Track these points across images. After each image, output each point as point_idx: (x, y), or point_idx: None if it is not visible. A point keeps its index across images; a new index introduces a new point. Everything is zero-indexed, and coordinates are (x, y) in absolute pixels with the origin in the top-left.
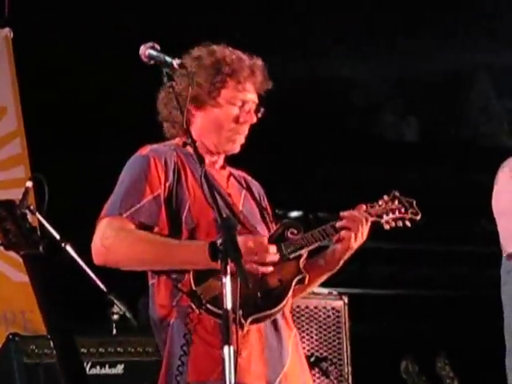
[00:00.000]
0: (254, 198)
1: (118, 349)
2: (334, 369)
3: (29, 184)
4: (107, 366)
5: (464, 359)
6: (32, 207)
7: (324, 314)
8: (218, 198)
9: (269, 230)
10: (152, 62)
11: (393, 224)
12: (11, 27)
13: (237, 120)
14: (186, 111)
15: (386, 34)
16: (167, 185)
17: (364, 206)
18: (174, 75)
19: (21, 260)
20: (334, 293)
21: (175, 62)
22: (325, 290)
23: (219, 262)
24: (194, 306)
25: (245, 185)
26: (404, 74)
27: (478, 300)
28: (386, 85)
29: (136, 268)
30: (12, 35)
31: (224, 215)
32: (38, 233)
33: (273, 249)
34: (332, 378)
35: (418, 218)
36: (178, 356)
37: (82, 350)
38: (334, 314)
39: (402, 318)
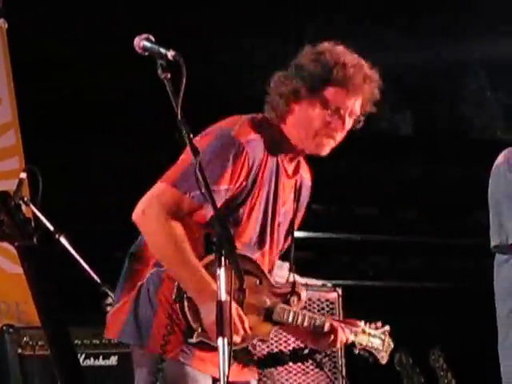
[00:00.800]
0: (295, 209)
1: (112, 340)
2: (328, 361)
3: (23, 175)
4: (101, 357)
5: (458, 352)
6: (26, 198)
7: (318, 306)
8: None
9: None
10: (146, 53)
11: (361, 352)
12: (6, 19)
13: (327, 124)
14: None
15: (381, 28)
16: (241, 186)
17: (357, 325)
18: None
19: (15, 251)
20: (328, 285)
21: (169, 54)
22: (319, 282)
23: (213, 254)
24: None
25: (298, 195)
26: (399, 69)
27: (473, 292)
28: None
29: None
30: (7, 26)
31: (219, 210)
32: (32, 224)
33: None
34: (326, 369)
35: (383, 363)
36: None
37: (76, 341)
38: (328, 305)
39: (396, 310)
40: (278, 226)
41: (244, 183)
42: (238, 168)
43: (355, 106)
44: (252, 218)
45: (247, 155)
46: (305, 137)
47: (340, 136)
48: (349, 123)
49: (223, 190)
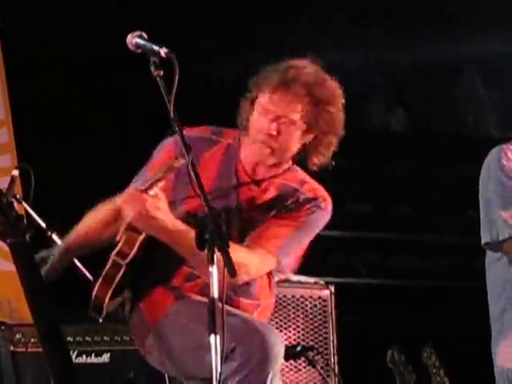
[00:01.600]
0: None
1: (105, 337)
2: (321, 358)
3: (15, 173)
4: (93, 354)
5: (451, 349)
6: (18, 196)
7: (310, 303)
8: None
9: None
10: (139, 50)
11: None
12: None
13: (256, 128)
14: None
15: (374, 24)
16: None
17: None
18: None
19: (7, 249)
20: (321, 282)
21: (162, 51)
22: (311, 280)
23: (206, 251)
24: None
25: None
26: (392, 64)
27: (466, 290)
28: (373, 74)
29: None
30: None
31: (211, 205)
32: (25, 221)
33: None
34: (318, 367)
35: None
36: None
37: (68, 338)
38: (320, 303)
39: (389, 307)
40: None
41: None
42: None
43: (278, 108)
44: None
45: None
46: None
47: (274, 142)
48: (274, 126)
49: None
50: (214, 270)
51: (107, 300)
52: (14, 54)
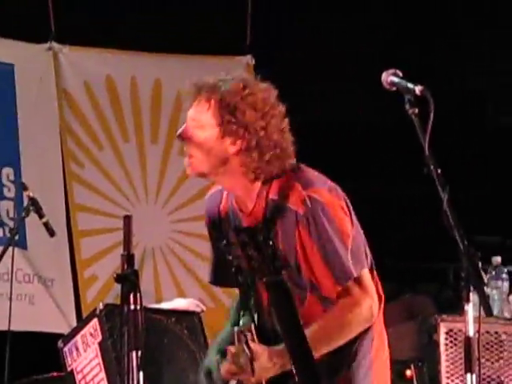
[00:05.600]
0: None
1: None
2: None
3: None
4: None
5: None
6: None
7: None
8: None
9: None
10: (394, 88)
11: None
12: (253, 55)
13: None
14: None
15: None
16: None
17: None
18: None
19: None
20: None
21: (417, 89)
22: None
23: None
24: None
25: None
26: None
27: None
28: None
29: None
30: (253, 62)
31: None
32: (280, 258)
33: None
34: None
35: None
36: None
37: None
38: None
39: None
40: None
41: None
42: None
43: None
44: None
45: None
46: None
47: (186, 149)
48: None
49: None
50: (469, 308)
51: None
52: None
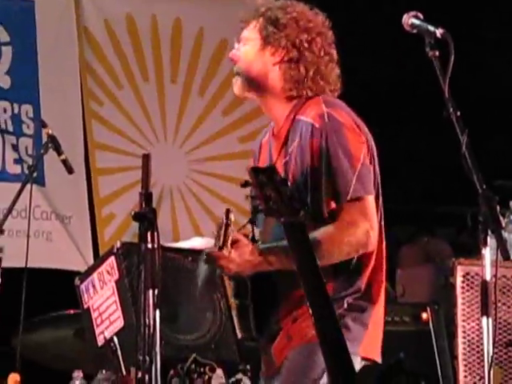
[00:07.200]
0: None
1: None
2: None
3: None
4: None
5: None
6: None
7: None
8: None
9: None
10: (414, 31)
11: None
12: None
13: None
14: None
15: None
16: None
17: None
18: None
19: None
20: None
21: (438, 32)
22: None
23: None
24: None
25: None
26: None
27: None
28: None
29: None
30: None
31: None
32: (298, 199)
33: None
34: None
35: None
36: None
37: None
38: None
39: None
40: None
41: None
42: None
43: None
44: None
45: None
46: None
47: (236, 67)
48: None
49: None
50: (486, 252)
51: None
52: None
